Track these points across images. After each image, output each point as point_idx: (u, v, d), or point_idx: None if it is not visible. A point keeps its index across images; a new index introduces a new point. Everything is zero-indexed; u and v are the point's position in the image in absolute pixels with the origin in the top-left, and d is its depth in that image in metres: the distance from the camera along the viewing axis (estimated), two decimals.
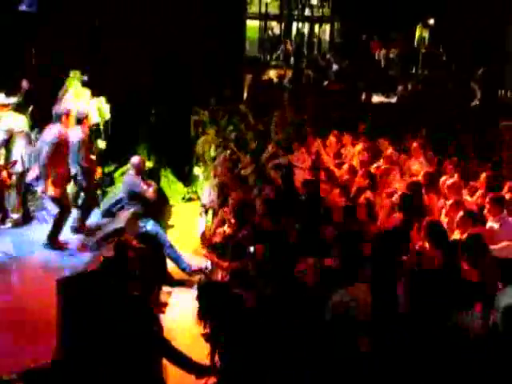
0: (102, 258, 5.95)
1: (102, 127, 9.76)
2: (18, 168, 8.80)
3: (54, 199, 8.20)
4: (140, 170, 8.23)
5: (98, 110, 9.68)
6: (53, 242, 8.24)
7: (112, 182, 10.47)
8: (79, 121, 8.41)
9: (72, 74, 9.70)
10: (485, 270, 5.59)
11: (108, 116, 9.82)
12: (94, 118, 9.55)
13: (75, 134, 8.25)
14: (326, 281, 5.30)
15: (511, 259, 5.74)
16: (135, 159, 8.30)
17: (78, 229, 8.67)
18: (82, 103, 9.40)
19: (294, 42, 24.47)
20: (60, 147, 8.01)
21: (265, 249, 6.14)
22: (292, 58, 22.95)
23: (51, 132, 8.04)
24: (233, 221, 7.26)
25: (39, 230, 8.58)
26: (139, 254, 6.06)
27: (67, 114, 8.13)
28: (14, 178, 8.85)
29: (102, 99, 9.78)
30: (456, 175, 8.46)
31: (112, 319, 4.86)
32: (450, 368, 4.49)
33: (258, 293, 5.20)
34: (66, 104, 8.87)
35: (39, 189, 8.44)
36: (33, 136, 9.13)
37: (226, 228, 7.54)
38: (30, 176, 8.80)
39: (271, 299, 5.11)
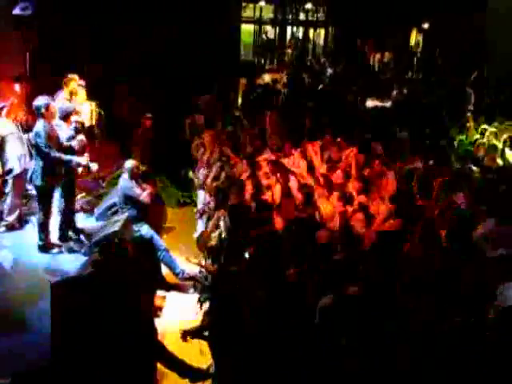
0: (93, 261, 5.93)
1: (95, 131, 9.74)
2: (16, 170, 8.79)
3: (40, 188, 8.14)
4: (134, 174, 8.22)
5: (90, 113, 9.68)
6: (46, 243, 8.27)
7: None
8: (65, 117, 8.38)
9: (70, 76, 9.68)
10: (482, 271, 5.63)
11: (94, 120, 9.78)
12: (86, 122, 9.54)
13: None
14: (318, 284, 5.30)
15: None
16: (129, 163, 8.27)
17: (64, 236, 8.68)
18: (75, 102, 9.40)
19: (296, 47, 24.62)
20: (47, 140, 7.96)
21: (258, 252, 6.15)
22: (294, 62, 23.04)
23: (36, 128, 8.02)
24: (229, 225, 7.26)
25: (33, 233, 8.56)
26: (130, 257, 6.06)
27: (47, 107, 8.02)
28: (10, 181, 8.84)
29: (93, 104, 9.77)
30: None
31: (106, 323, 4.85)
32: (446, 370, 4.50)
33: (251, 295, 5.19)
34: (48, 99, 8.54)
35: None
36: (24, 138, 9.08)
37: (221, 232, 7.53)
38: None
39: (265, 302, 5.10)
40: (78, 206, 9.83)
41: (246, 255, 6.34)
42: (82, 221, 9.33)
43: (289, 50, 24.74)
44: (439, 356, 4.55)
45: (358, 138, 10.72)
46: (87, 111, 9.69)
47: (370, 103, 15.93)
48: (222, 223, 7.57)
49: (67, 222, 8.70)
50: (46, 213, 8.28)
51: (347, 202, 7.76)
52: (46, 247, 8.29)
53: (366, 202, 7.73)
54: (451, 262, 5.84)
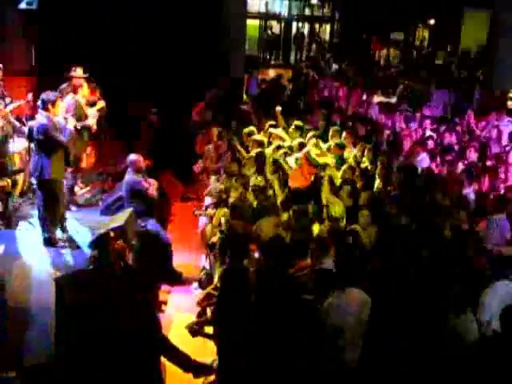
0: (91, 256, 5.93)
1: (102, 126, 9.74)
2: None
3: (48, 183, 8.12)
4: (139, 168, 8.18)
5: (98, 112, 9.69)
6: (51, 237, 8.28)
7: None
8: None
9: (74, 69, 9.68)
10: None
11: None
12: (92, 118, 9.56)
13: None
14: (323, 283, 5.29)
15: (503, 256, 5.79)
16: (132, 157, 8.23)
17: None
18: (79, 96, 9.41)
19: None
20: (49, 134, 7.93)
21: (262, 248, 6.15)
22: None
23: (37, 121, 7.99)
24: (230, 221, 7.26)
25: (37, 229, 8.56)
26: (124, 249, 6.05)
27: (54, 103, 8.01)
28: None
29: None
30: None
31: (110, 317, 4.85)
32: (446, 372, 4.49)
33: (255, 293, 5.19)
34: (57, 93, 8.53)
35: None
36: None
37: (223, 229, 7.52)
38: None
39: (268, 300, 5.09)
40: (82, 200, 9.89)
41: (256, 254, 6.35)
42: (87, 215, 9.35)
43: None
44: (439, 355, 4.55)
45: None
46: (96, 109, 9.69)
47: (375, 99, 15.87)
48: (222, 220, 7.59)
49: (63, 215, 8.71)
50: (49, 207, 8.27)
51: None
52: (50, 241, 8.31)
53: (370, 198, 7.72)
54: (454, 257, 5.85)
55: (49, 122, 7.94)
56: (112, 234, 5.94)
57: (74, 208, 9.49)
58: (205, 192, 9.21)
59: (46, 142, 7.96)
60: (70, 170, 8.91)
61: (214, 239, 7.47)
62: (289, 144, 9.76)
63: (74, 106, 9.27)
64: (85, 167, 10.21)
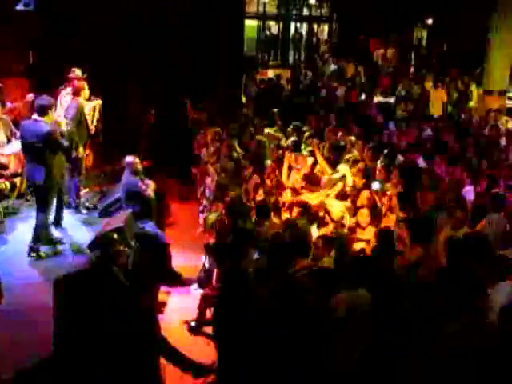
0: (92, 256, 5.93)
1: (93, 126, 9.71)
2: None
3: (44, 188, 7.95)
4: (135, 170, 8.15)
5: (93, 109, 9.65)
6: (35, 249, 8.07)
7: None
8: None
9: (72, 70, 9.67)
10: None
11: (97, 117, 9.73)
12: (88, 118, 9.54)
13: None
14: (323, 283, 5.29)
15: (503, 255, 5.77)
16: (129, 158, 8.19)
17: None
18: (82, 98, 9.39)
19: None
20: (54, 139, 7.84)
21: (262, 248, 6.13)
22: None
23: (38, 128, 7.76)
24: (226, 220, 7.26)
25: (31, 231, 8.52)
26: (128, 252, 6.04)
27: (51, 106, 7.94)
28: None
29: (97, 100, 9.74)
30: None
31: (109, 318, 4.85)
32: (446, 372, 4.48)
33: (255, 292, 5.18)
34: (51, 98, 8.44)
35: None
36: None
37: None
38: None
39: (268, 299, 5.09)
40: (80, 202, 9.87)
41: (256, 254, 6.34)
42: (86, 216, 9.34)
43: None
44: (439, 357, 4.53)
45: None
46: (90, 107, 9.66)
47: (373, 99, 15.86)
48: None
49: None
50: (46, 212, 8.18)
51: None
52: (35, 250, 8.04)
53: (371, 198, 7.72)
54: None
55: (52, 126, 7.85)
56: (115, 235, 5.94)
57: (84, 211, 9.44)
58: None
59: (48, 148, 7.81)
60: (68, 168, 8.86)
61: (212, 240, 7.46)
62: (284, 143, 9.76)
63: (74, 107, 9.21)
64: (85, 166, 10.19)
